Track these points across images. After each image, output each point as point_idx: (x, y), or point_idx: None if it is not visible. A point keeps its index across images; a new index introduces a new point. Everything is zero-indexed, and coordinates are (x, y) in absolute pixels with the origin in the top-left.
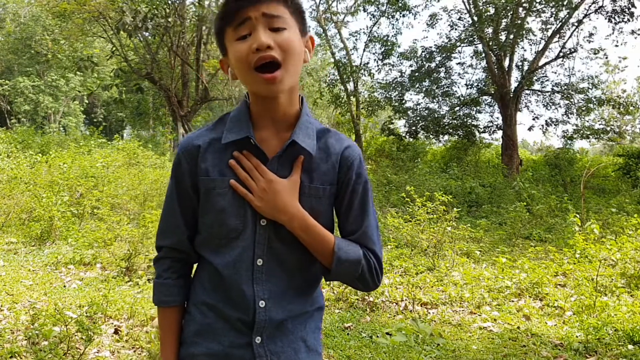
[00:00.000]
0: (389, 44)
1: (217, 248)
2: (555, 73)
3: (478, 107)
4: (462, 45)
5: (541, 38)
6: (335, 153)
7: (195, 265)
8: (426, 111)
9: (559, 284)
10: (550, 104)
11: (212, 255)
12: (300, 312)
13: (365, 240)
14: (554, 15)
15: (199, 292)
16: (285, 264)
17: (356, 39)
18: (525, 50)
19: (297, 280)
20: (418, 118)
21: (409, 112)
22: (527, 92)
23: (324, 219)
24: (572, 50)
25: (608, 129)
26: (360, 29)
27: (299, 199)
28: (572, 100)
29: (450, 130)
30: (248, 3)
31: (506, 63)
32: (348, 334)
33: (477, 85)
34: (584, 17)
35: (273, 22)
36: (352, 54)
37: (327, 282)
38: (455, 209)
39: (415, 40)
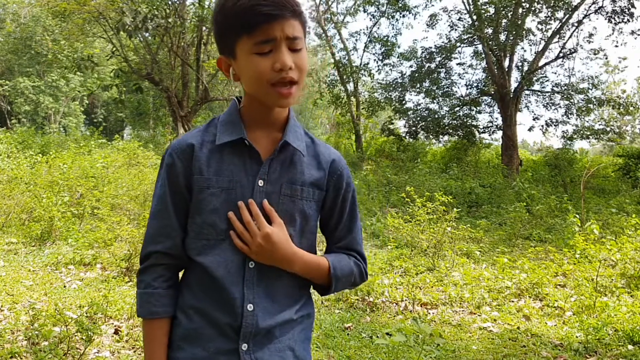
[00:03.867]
0: (389, 44)
1: (206, 249)
2: (555, 73)
3: (478, 108)
4: (462, 45)
5: (541, 38)
6: (325, 161)
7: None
8: (426, 111)
9: (559, 285)
10: (550, 104)
11: (202, 257)
12: (289, 318)
13: (354, 244)
14: (553, 16)
15: (187, 297)
16: (277, 267)
17: (356, 40)
18: (525, 51)
19: (287, 284)
20: (418, 118)
21: (409, 112)
22: (527, 92)
23: (313, 222)
24: (572, 50)
25: (608, 129)
26: (360, 30)
27: (293, 202)
28: (572, 100)
29: (450, 131)
30: (273, 20)
31: (506, 63)
32: (348, 334)
33: (477, 85)
34: (583, 18)
35: (294, 44)
36: (352, 54)
37: None
38: (455, 209)
39: (415, 40)
